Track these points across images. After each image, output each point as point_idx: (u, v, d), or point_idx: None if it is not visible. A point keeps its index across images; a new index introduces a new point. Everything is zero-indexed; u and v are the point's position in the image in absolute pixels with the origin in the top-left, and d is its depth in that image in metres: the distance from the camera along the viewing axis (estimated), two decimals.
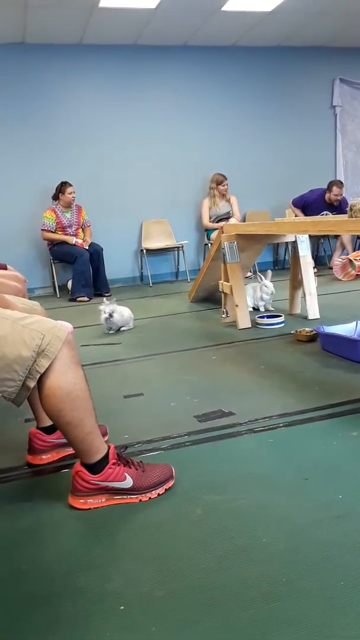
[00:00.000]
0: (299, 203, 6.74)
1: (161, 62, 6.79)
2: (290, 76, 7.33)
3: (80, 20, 5.77)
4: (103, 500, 1.55)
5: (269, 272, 4.22)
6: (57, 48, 6.37)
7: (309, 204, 6.68)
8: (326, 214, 6.57)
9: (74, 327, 2.29)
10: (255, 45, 6.98)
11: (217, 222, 6.59)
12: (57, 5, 5.31)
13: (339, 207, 6.58)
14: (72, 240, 6.07)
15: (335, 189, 6.55)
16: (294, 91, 7.36)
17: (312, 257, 6.41)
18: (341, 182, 6.61)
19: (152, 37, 6.42)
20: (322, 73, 7.42)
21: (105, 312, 3.81)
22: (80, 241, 6.11)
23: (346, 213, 6.90)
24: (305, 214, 6.64)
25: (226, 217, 6.69)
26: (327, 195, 6.63)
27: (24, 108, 6.38)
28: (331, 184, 6.59)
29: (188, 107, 6.96)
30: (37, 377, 1.45)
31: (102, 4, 5.36)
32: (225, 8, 5.72)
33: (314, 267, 6.09)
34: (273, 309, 4.20)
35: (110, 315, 3.80)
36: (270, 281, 4.21)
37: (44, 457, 1.86)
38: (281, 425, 2.03)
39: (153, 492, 1.57)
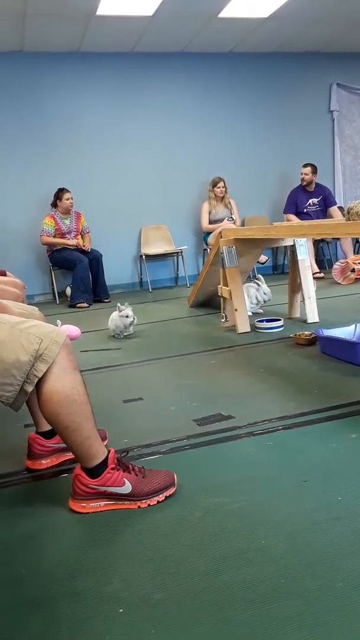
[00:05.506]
0: (291, 207, 6.78)
1: (159, 68, 6.83)
2: (287, 82, 7.37)
3: (78, 28, 5.80)
4: (102, 504, 1.55)
5: (261, 278, 4.28)
6: (55, 56, 6.41)
7: (297, 203, 6.76)
8: (312, 203, 6.70)
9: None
10: (253, 51, 7.02)
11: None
12: (55, 14, 5.35)
13: (319, 191, 6.75)
14: (72, 241, 6.07)
15: (302, 169, 6.70)
16: (291, 96, 7.40)
17: (316, 261, 6.48)
18: (308, 164, 6.71)
19: (150, 44, 6.46)
20: (319, 78, 7.46)
21: (123, 313, 3.77)
22: (77, 242, 6.11)
23: (328, 198, 7.09)
24: (298, 213, 6.67)
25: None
26: (300, 180, 6.74)
27: (22, 116, 6.41)
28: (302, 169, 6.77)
29: (186, 113, 6.99)
30: (35, 381, 1.45)
31: (99, 12, 5.39)
32: (222, 15, 5.75)
33: (319, 271, 6.17)
34: (262, 311, 4.25)
35: (128, 316, 3.77)
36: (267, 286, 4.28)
37: (43, 461, 1.86)
38: (280, 428, 2.03)
39: (152, 499, 1.56)
